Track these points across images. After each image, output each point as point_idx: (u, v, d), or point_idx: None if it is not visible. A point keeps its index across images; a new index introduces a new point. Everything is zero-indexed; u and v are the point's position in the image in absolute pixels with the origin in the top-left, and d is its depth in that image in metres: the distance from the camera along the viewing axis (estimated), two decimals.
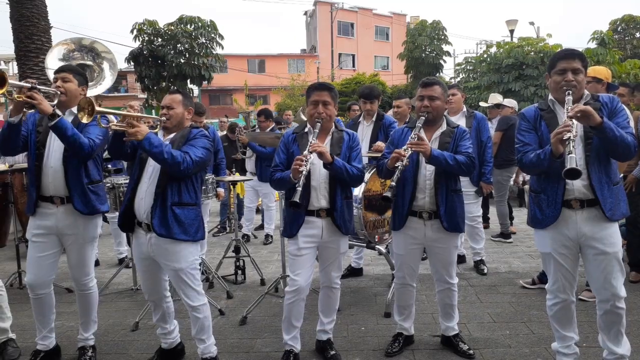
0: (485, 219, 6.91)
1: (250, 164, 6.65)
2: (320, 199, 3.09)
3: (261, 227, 7.28)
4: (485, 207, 6.81)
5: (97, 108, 2.65)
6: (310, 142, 2.94)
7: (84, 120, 2.67)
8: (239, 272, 5.00)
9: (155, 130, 2.99)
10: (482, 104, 8.02)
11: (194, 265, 3.00)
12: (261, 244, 6.69)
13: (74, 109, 3.18)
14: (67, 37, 5.13)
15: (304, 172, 2.83)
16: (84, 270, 3.26)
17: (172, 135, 3.02)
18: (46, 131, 3.01)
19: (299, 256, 3.10)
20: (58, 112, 2.86)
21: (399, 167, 2.89)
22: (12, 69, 26.09)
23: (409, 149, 2.94)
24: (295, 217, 3.11)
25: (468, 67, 16.97)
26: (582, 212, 2.65)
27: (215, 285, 4.83)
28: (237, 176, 5.27)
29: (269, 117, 6.66)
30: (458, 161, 3.02)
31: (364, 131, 4.79)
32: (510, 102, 7.02)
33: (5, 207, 4.95)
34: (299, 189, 2.81)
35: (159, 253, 2.94)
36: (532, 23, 34.90)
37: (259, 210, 7.60)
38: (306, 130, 3.17)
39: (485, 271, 5.03)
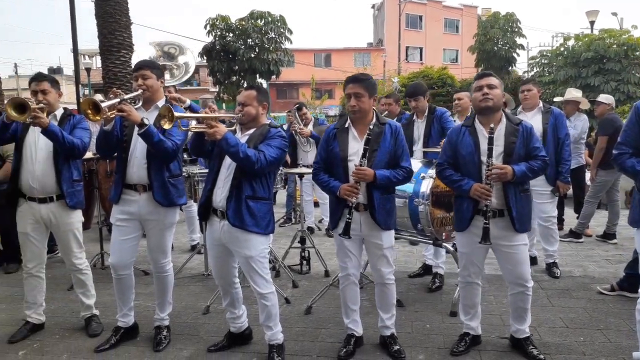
0: (560, 221, 6.59)
1: (311, 157, 6.68)
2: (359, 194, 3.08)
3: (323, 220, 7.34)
4: (560, 207, 6.52)
5: (177, 114, 2.81)
6: (355, 167, 3.02)
7: (166, 127, 2.84)
8: (304, 262, 5.09)
9: (233, 128, 3.10)
10: (557, 99, 7.61)
11: (264, 254, 3.10)
12: (325, 236, 6.76)
13: (159, 103, 3.36)
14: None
15: (353, 204, 3.01)
16: (163, 254, 3.45)
17: (250, 131, 3.11)
18: (132, 125, 3.21)
19: (342, 245, 3.20)
20: (146, 121, 3.06)
21: (488, 205, 2.97)
22: (95, 63, 27.79)
23: (492, 182, 2.95)
24: (335, 211, 3.20)
25: (543, 61, 16.27)
26: None
27: (282, 274, 4.95)
28: (304, 169, 5.35)
29: (308, 108, 7.19)
30: (536, 170, 3.04)
31: (419, 128, 4.77)
32: (607, 99, 6.38)
33: (90, 192, 5.29)
34: (349, 221, 3.00)
35: (231, 240, 3.05)
36: (615, 14, 32.89)
37: (316, 204, 7.64)
38: (347, 125, 3.17)
39: (558, 274, 4.82)
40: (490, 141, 2.96)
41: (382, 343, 3.36)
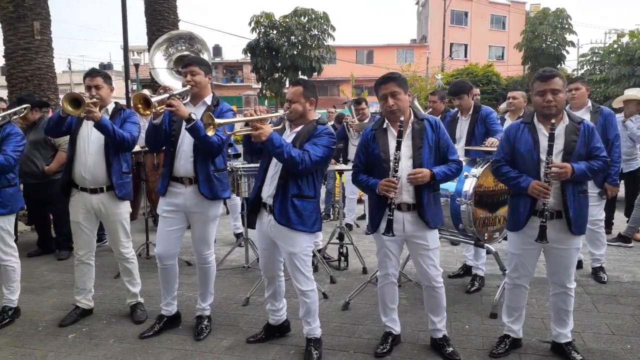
0: (609, 224, 6.34)
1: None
2: (403, 193, 3.04)
3: (363, 217, 7.35)
4: (610, 211, 6.27)
5: (218, 120, 2.87)
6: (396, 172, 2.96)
7: (210, 134, 2.90)
8: (342, 258, 5.11)
9: (280, 127, 3.15)
10: (618, 99, 7.28)
11: (307, 252, 3.13)
12: (363, 234, 6.76)
13: (207, 99, 3.45)
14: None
15: (393, 200, 2.95)
16: (206, 245, 3.55)
17: (298, 128, 3.13)
18: (180, 120, 3.31)
19: (383, 245, 3.18)
20: (193, 116, 3.16)
21: (546, 204, 2.90)
22: (144, 59, 28.63)
23: (551, 180, 2.87)
24: (377, 211, 3.13)
25: (594, 59, 15.69)
26: None
27: (320, 269, 4.99)
28: (343, 166, 5.37)
29: (368, 104, 7.02)
30: (596, 170, 2.94)
31: (462, 126, 4.68)
32: None
33: (138, 183, 5.47)
34: (391, 218, 2.95)
35: (276, 235, 3.12)
36: None
37: (360, 201, 7.67)
38: (384, 126, 3.13)
39: (605, 279, 4.66)
40: (551, 138, 2.86)
41: (434, 345, 3.30)
